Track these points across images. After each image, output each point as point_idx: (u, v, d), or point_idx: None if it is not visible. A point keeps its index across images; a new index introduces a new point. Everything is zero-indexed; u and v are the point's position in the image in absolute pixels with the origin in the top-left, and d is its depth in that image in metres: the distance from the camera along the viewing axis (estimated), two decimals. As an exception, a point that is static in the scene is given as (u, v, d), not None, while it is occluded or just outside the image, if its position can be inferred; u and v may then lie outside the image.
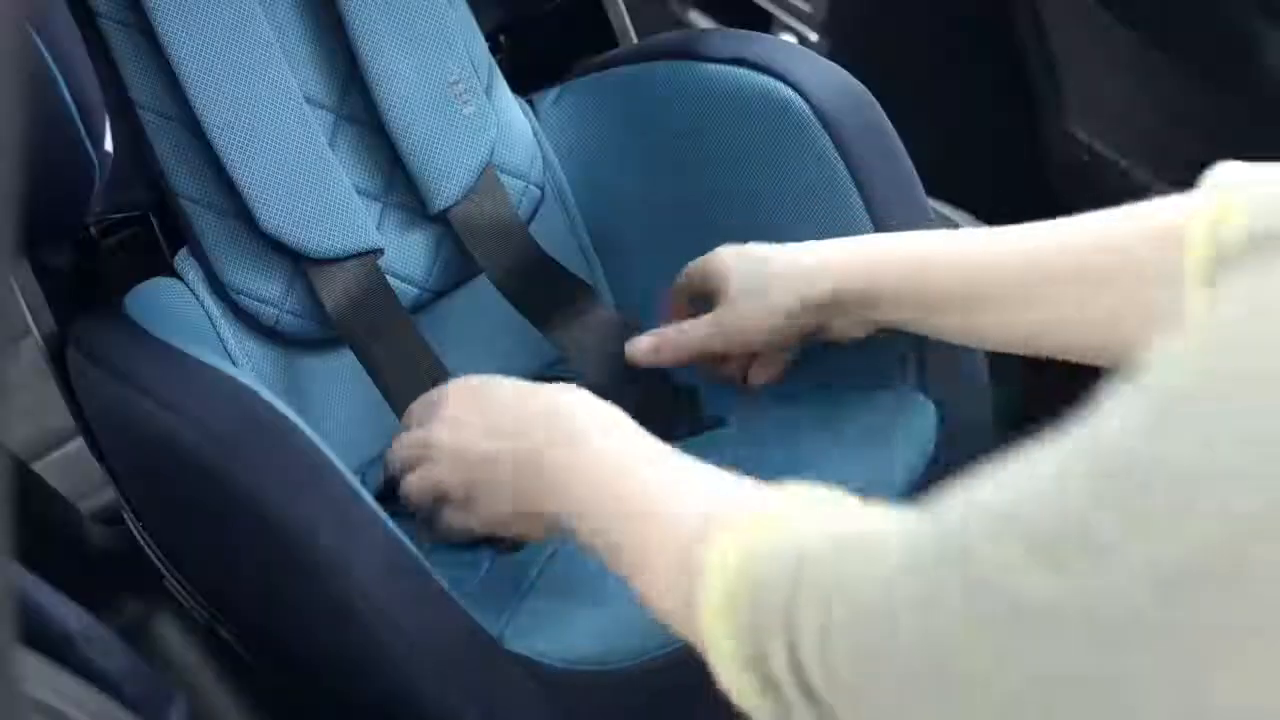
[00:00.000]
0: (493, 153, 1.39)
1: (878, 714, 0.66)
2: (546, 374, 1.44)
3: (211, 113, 1.27)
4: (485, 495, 1.08)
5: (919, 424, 1.27)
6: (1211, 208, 0.77)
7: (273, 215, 1.28)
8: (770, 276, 1.23)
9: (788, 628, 0.69)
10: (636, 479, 0.90)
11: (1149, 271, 0.97)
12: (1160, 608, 0.51)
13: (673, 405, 1.33)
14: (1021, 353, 1.14)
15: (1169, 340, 0.53)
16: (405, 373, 1.29)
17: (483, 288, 1.40)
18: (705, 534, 0.78)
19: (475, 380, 1.13)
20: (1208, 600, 0.50)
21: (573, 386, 1.04)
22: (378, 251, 1.32)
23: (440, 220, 1.37)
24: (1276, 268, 0.51)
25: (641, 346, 1.28)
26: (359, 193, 1.34)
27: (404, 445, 1.14)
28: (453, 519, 1.12)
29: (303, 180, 1.30)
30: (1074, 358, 1.08)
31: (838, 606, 0.66)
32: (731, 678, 0.74)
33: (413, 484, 1.13)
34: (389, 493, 1.20)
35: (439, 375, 1.27)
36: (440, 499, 1.12)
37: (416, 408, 1.16)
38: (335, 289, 1.31)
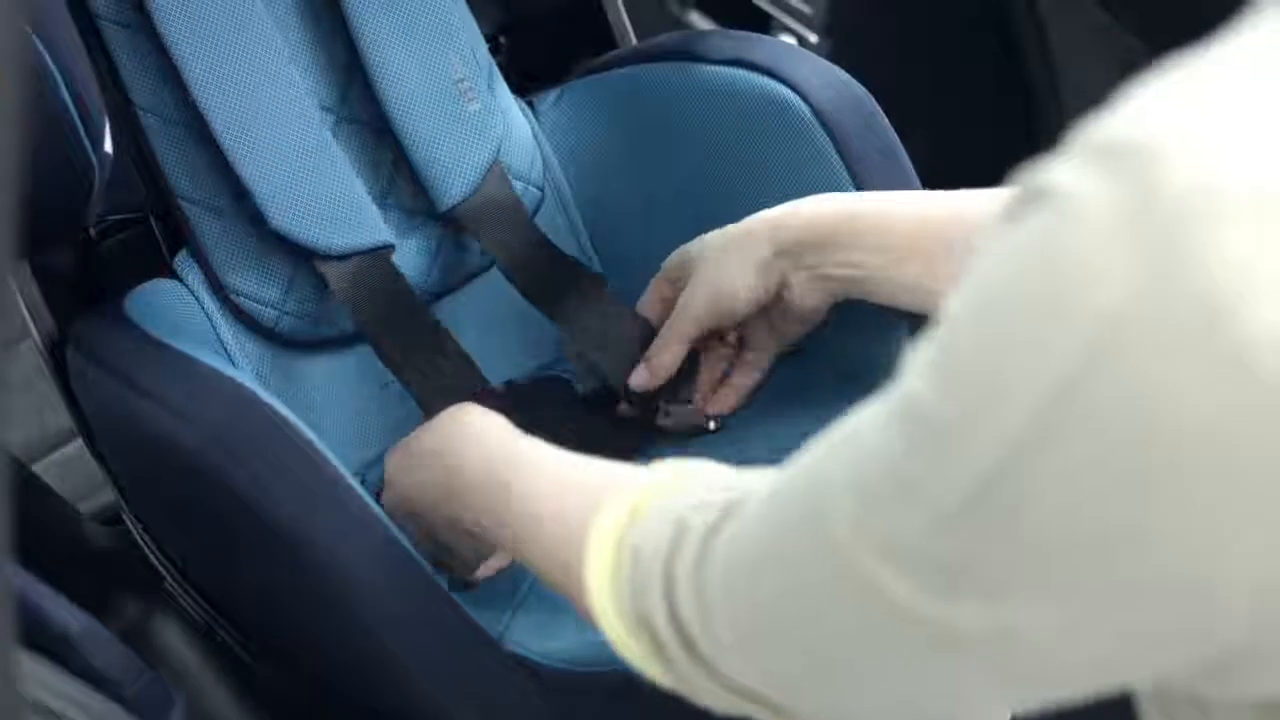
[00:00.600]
0: (499, 149, 1.39)
1: (748, 661, 0.72)
2: (548, 371, 1.44)
3: (217, 113, 1.27)
4: (462, 532, 1.11)
5: None
6: None
7: (282, 214, 1.28)
8: (738, 233, 1.25)
9: (666, 582, 0.75)
10: (517, 483, 0.96)
11: None
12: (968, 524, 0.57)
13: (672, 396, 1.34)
14: None
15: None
16: (428, 364, 1.29)
17: (481, 287, 1.40)
18: (587, 516, 0.83)
19: (400, 445, 1.17)
20: (998, 515, 0.55)
21: (458, 410, 1.11)
22: (389, 246, 1.32)
23: (443, 220, 1.37)
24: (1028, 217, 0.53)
25: (638, 380, 1.31)
26: None
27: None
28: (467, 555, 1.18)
29: (311, 178, 1.29)
30: None
31: (710, 562, 0.72)
32: (622, 640, 0.81)
33: (420, 543, 1.17)
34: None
35: (463, 364, 1.29)
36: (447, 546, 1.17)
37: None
38: (348, 286, 1.31)
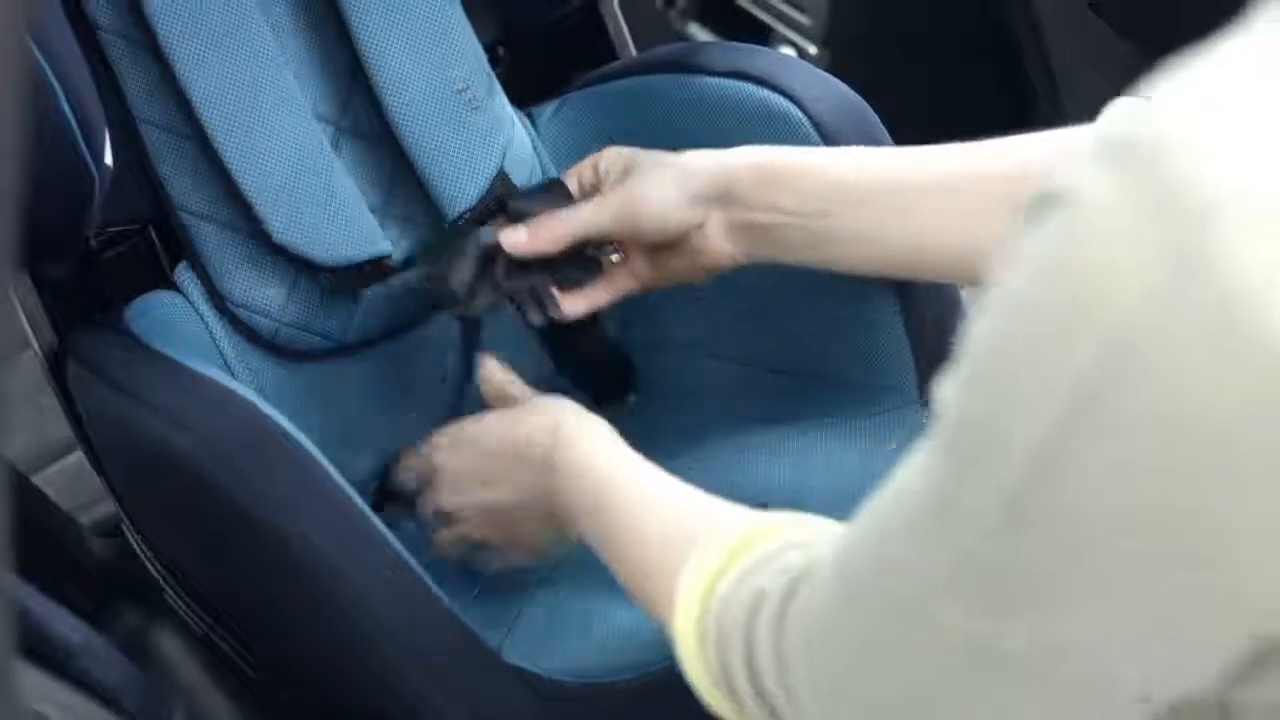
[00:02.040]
0: (504, 157, 1.39)
1: (823, 707, 0.72)
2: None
3: (217, 125, 1.27)
4: (511, 536, 1.17)
5: (916, 424, 1.27)
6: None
7: (283, 225, 1.28)
8: (681, 161, 1.23)
9: (746, 646, 0.77)
10: (614, 506, 0.98)
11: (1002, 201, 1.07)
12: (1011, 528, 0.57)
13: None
14: (908, 270, 1.19)
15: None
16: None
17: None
18: (679, 563, 0.84)
19: (460, 433, 1.19)
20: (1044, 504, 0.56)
21: (548, 404, 1.12)
22: (388, 256, 1.32)
23: (448, 230, 1.37)
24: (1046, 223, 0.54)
25: (515, 237, 1.24)
26: None
27: (426, 509, 1.22)
28: (494, 560, 1.21)
29: (311, 189, 1.30)
30: (955, 278, 1.18)
31: (787, 630, 0.74)
32: (705, 692, 0.83)
33: (446, 540, 1.21)
34: (382, 499, 1.21)
35: (461, 376, 1.30)
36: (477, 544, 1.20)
37: (417, 467, 1.22)
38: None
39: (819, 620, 0.72)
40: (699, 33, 2.25)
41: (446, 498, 1.19)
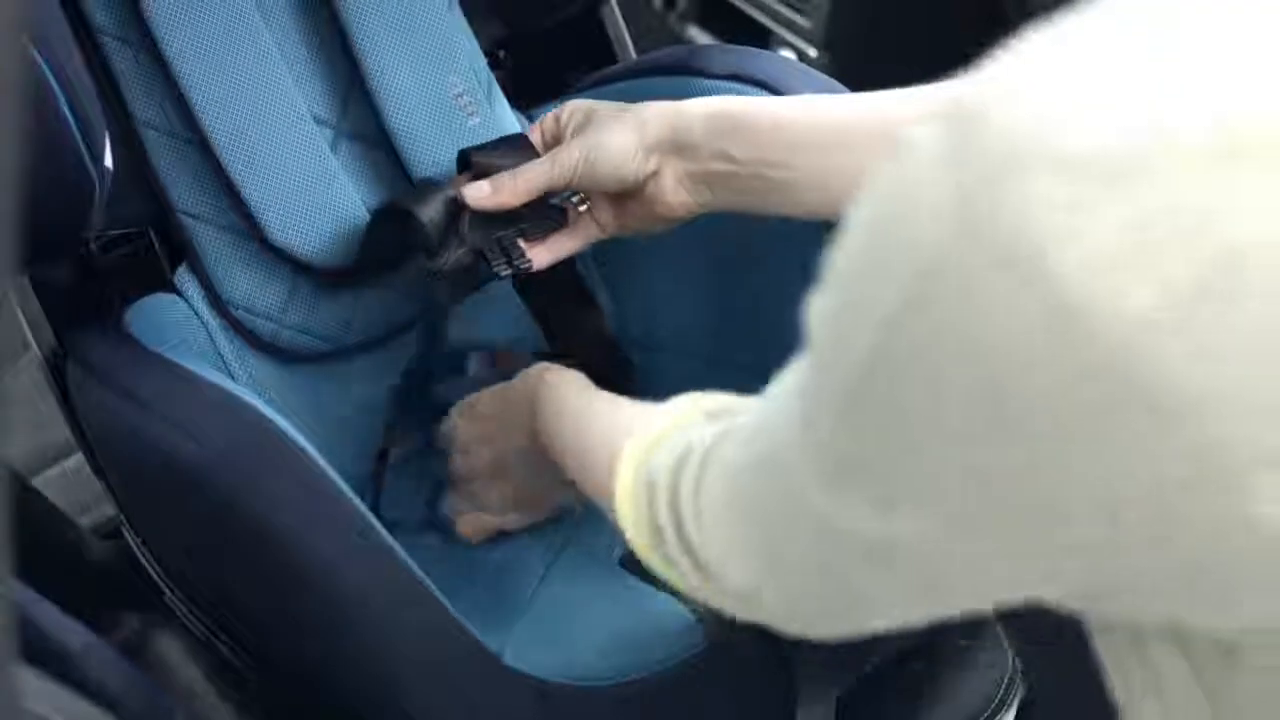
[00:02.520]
0: None
1: (733, 567, 0.81)
2: None
3: (217, 127, 1.27)
4: (520, 490, 1.29)
5: None
6: None
7: (281, 228, 1.28)
8: (636, 110, 1.24)
9: (671, 495, 0.85)
10: (576, 423, 1.10)
11: None
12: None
13: None
14: None
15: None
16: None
17: (478, 298, 1.40)
18: (618, 448, 0.95)
19: (465, 405, 1.30)
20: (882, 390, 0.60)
21: (536, 365, 1.21)
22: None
23: None
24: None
25: (478, 191, 1.24)
26: None
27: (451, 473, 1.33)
28: (512, 522, 1.32)
29: (309, 192, 1.30)
30: None
31: (705, 483, 0.82)
32: (642, 548, 0.92)
33: (468, 523, 1.33)
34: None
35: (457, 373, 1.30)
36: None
37: (443, 435, 1.32)
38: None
39: (726, 488, 0.80)
40: (698, 35, 2.25)
41: (460, 463, 1.29)
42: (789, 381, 0.72)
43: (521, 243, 1.25)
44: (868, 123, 1.17)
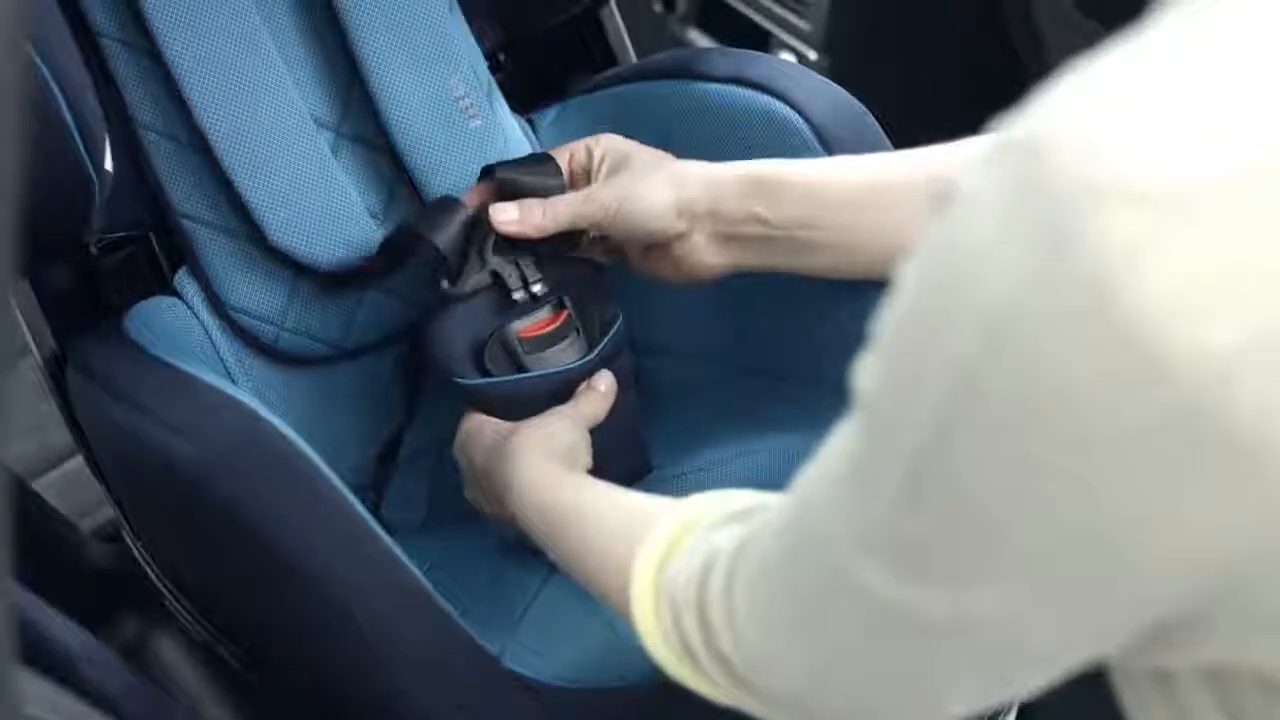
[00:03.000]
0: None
1: (774, 673, 0.77)
2: None
3: (218, 130, 1.27)
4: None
5: None
6: None
7: (281, 230, 1.28)
8: (675, 166, 1.23)
9: (700, 608, 0.80)
10: (572, 522, 1.02)
11: None
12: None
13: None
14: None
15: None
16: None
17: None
18: (630, 557, 0.89)
19: (476, 430, 1.22)
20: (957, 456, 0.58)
21: (525, 443, 1.14)
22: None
23: None
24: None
25: (505, 214, 1.23)
26: None
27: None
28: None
29: (310, 194, 1.30)
30: None
31: (735, 588, 0.77)
32: (671, 667, 0.86)
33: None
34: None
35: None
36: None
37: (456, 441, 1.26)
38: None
39: (763, 583, 0.75)
40: (699, 38, 2.25)
41: (467, 490, 1.25)
42: (828, 462, 0.68)
43: (539, 271, 1.25)
44: (897, 181, 1.16)
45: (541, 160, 1.28)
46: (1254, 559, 0.55)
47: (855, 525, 0.64)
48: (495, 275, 1.23)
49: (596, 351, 1.25)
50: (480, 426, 1.21)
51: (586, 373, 1.24)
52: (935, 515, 0.59)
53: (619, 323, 1.28)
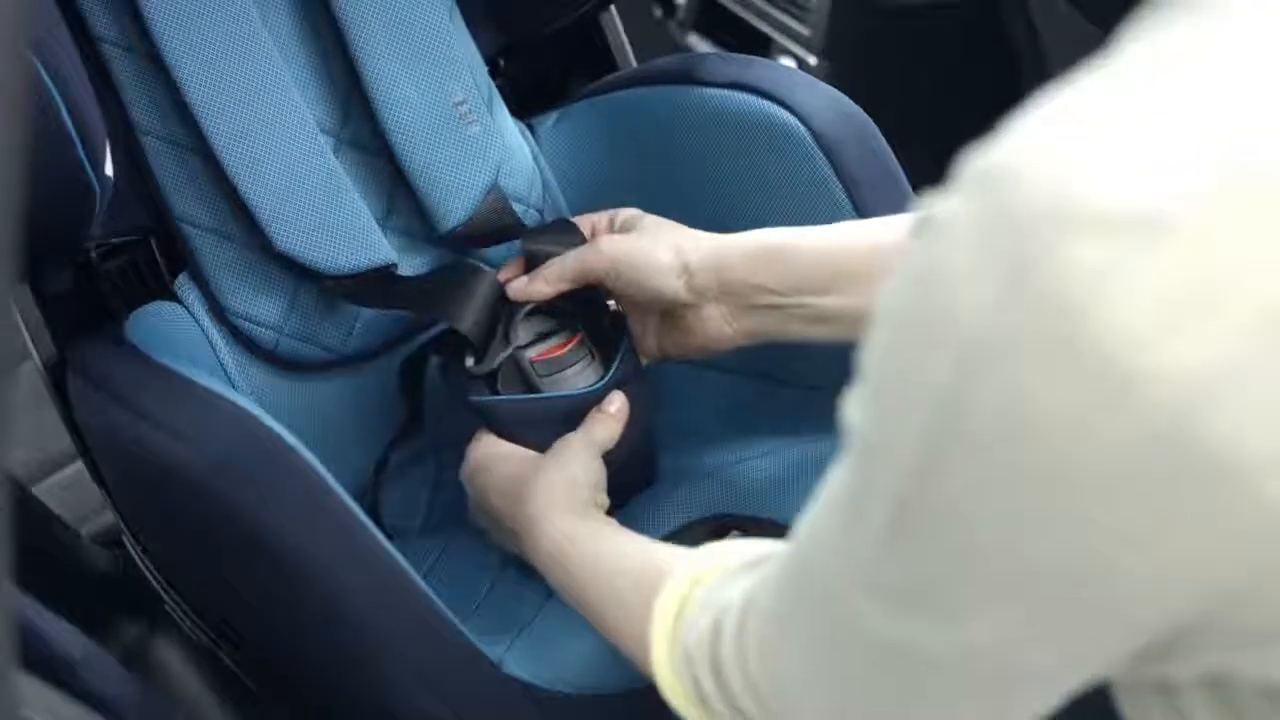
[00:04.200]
0: (499, 171, 1.39)
1: (790, 711, 0.77)
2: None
3: (219, 134, 1.27)
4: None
5: None
6: None
7: (286, 235, 1.28)
8: (672, 226, 1.24)
9: (714, 665, 0.81)
10: (583, 564, 1.04)
11: None
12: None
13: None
14: None
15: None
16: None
17: None
18: (647, 609, 0.91)
19: (481, 468, 1.22)
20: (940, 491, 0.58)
21: (546, 492, 1.12)
22: (392, 265, 1.32)
23: (445, 243, 1.37)
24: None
25: (515, 285, 1.26)
26: None
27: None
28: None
29: (314, 198, 1.30)
30: None
31: (746, 642, 0.78)
32: (676, 700, 0.88)
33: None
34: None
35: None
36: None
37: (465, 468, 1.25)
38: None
39: (772, 630, 0.76)
40: (698, 43, 2.25)
41: (473, 513, 1.24)
42: (824, 504, 0.69)
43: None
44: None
45: (566, 228, 1.30)
46: (1242, 576, 0.55)
47: (852, 563, 0.65)
48: (519, 367, 1.25)
49: (609, 376, 1.25)
50: (493, 460, 1.21)
51: (599, 396, 1.24)
52: (924, 545, 0.60)
53: (627, 344, 1.28)
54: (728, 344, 1.24)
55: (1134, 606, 0.57)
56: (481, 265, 1.31)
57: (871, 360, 0.60)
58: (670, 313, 1.25)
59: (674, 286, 1.21)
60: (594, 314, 1.28)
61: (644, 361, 1.29)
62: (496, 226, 1.37)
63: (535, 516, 1.10)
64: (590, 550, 1.04)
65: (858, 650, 0.67)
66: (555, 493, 1.12)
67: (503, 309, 1.26)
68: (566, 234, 1.30)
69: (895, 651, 0.65)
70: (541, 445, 1.20)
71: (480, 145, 1.38)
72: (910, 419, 0.57)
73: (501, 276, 1.27)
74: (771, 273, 1.18)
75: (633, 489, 1.31)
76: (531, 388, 1.24)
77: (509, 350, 1.24)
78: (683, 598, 0.88)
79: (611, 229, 1.29)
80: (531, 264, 1.28)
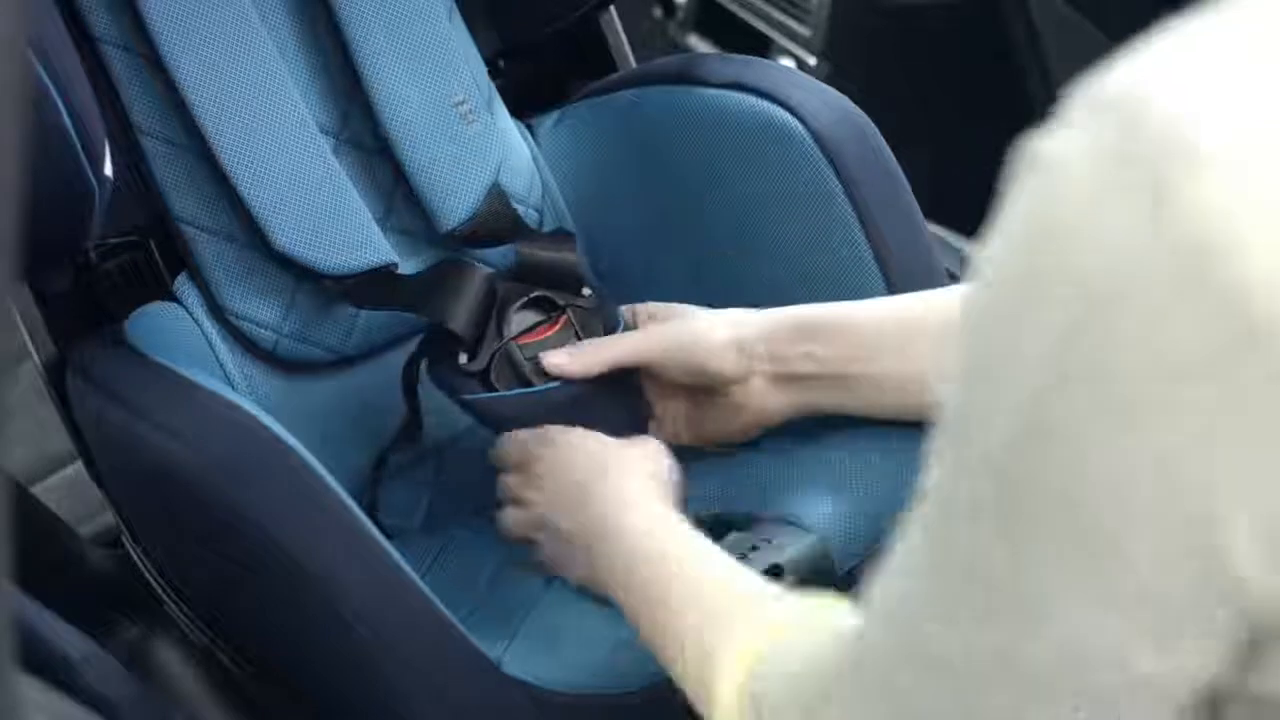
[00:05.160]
0: (499, 171, 1.39)
1: None
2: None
3: (219, 134, 1.27)
4: (559, 560, 1.15)
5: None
6: None
7: (286, 235, 1.28)
8: (730, 312, 1.24)
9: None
10: (663, 579, 0.98)
11: None
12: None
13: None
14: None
15: None
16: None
17: None
18: (716, 641, 0.86)
19: (564, 443, 1.17)
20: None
21: (627, 462, 1.11)
22: (393, 265, 1.32)
23: (445, 242, 1.37)
24: None
25: (552, 358, 1.23)
26: None
27: (506, 484, 1.19)
28: (537, 560, 1.18)
29: (314, 198, 1.30)
30: None
31: (832, 699, 0.74)
32: None
33: (510, 518, 1.18)
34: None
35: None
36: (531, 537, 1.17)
37: (516, 446, 1.19)
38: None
39: (856, 695, 0.72)
40: (698, 43, 2.25)
41: (526, 489, 1.17)
42: (898, 556, 0.66)
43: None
44: (941, 314, 1.16)
45: (563, 238, 1.32)
46: None
47: (938, 591, 0.63)
48: (509, 358, 1.24)
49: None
50: (575, 436, 1.17)
51: (595, 381, 1.23)
52: (1028, 526, 0.57)
53: (621, 328, 1.27)
54: (772, 418, 1.24)
55: (1239, 566, 0.54)
56: (472, 261, 1.30)
57: (972, 330, 0.58)
58: (708, 394, 1.24)
59: (731, 363, 1.21)
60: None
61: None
62: (497, 227, 1.37)
63: (629, 500, 1.07)
64: (686, 550, 1.01)
65: (960, 681, 0.64)
66: (650, 482, 1.10)
67: (494, 305, 1.25)
68: (563, 244, 1.30)
69: (987, 677, 0.62)
70: None
71: (481, 144, 1.38)
72: (1022, 371, 0.55)
73: (547, 360, 1.23)
74: (813, 340, 1.19)
75: None
76: (525, 381, 1.24)
77: (501, 344, 1.24)
78: (757, 653, 0.83)
79: (633, 320, 1.27)
80: (521, 270, 1.28)
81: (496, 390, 1.23)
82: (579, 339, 1.26)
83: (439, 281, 1.27)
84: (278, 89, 1.31)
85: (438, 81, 1.37)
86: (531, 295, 1.26)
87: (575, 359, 1.22)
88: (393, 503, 1.35)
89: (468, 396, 1.23)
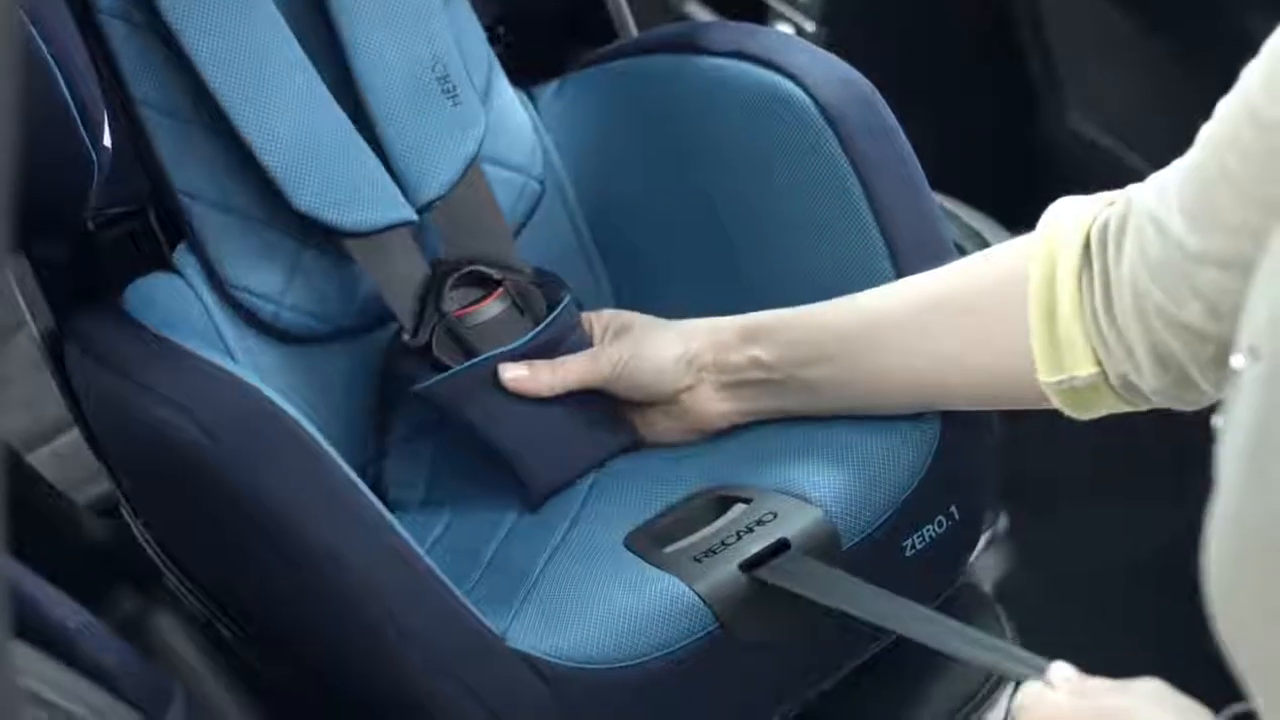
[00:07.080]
0: (479, 148, 1.37)
1: None
2: None
3: (229, 93, 1.26)
4: None
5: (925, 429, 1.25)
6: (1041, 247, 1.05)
7: (305, 194, 1.27)
8: (667, 322, 1.28)
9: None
10: None
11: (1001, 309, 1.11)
12: None
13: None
14: (915, 403, 1.22)
15: None
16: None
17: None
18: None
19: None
20: None
21: None
22: (412, 223, 1.31)
23: (424, 215, 1.35)
24: None
25: (511, 372, 1.27)
26: None
27: None
28: None
29: (331, 157, 1.29)
30: (958, 401, 1.20)
31: None
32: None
33: None
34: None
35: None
36: None
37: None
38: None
39: None
40: (698, 11, 2.24)
41: None
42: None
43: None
44: (894, 310, 1.18)
45: (553, 276, 1.35)
46: None
47: None
48: (450, 331, 1.28)
49: (546, 323, 1.28)
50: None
51: (542, 344, 1.27)
52: None
53: (568, 300, 1.30)
54: (718, 423, 1.27)
55: None
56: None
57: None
58: (657, 402, 1.28)
59: (680, 377, 1.25)
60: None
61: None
62: (470, 209, 1.35)
63: None
64: None
65: None
66: None
67: (432, 282, 1.29)
68: (546, 278, 1.34)
69: None
70: (500, 418, 1.26)
71: (461, 119, 1.36)
72: None
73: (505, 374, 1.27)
74: (761, 346, 1.22)
75: (612, 450, 1.31)
76: (470, 351, 1.27)
77: (440, 319, 1.27)
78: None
79: (593, 333, 1.31)
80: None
81: (446, 367, 1.26)
82: (518, 310, 1.30)
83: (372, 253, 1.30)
84: (283, 45, 1.30)
85: (420, 51, 1.35)
86: (466, 270, 1.30)
87: (533, 376, 1.27)
88: (397, 475, 1.34)
89: (418, 388, 1.26)
